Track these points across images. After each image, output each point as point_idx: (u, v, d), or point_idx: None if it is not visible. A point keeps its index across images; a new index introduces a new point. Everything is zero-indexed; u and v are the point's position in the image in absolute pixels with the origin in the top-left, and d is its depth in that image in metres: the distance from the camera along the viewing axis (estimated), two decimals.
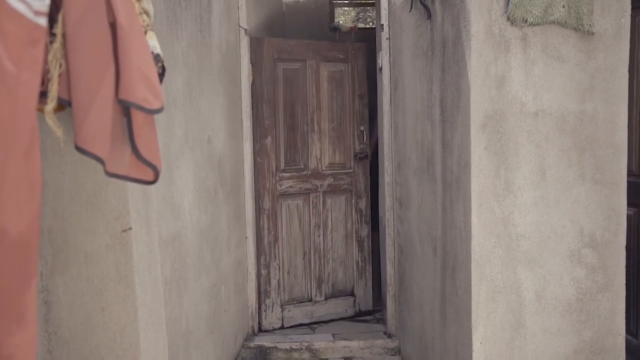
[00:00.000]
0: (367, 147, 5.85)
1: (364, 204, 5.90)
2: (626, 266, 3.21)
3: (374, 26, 7.42)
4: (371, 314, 5.96)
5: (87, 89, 1.58)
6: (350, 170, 5.80)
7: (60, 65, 1.59)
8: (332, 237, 5.78)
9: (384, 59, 5.16)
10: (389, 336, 5.30)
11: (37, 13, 1.40)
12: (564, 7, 2.97)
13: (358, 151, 5.79)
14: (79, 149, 1.62)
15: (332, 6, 8.02)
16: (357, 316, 5.92)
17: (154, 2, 2.84)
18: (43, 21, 1.43)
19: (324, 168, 5.68)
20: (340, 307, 5.86)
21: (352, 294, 5.92)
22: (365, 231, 5.93)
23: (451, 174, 3.35)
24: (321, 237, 5.72)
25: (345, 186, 5.78)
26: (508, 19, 2.98)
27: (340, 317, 5.85)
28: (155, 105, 1.71)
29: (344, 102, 5.70)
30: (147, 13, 1.79)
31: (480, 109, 3.01)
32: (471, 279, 3.08)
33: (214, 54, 4.16)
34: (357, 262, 5.90)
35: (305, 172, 5.60)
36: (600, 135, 3.08)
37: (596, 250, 3.13)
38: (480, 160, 3.03)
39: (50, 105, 1.59)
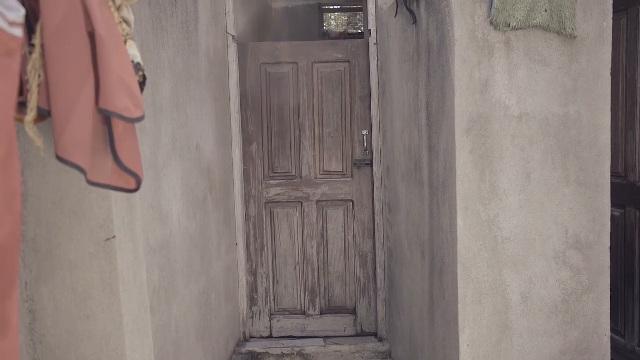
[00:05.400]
0: (371, 153, 5.40)
1: (366, 216, 5.47)
2: (614, 267, 3.23)
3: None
4: (376, 336, 5.50)
5: (67, 98, 1.59)
6: (350, 179, 5.43)
7: (40, 76, 1.60)
8: (328, 250, 5.51)
9: (372, 64, 5.18)
10: (380, 340, 5.32)
11: (12, 24, 1.42)
12: (546, 11, 2.99)
13: (359, 158, 5.39)
14: (59, 158, 1.62)
15: (322, 12, 8.04)
16: (359, 336, 5.52)
17: (138, 10, 2.86)
18: (19, 32, 1.44)
19: (318, 176, 5.44)
20: (339, 324, 5.57)
21: (353, 312, 5.57)
22: (368, 246, 5.49)
23: (437, 178, 3.37)
24: (315, 248, 5.48)
25: (343, 196, 5.44)
26: (491, 23, 3.00)
27: (338, 334, 5.54)
28: (137, 114, 1.72)
29: (342, 105, 5.38)
30: (127, 22, 1.80)
31: (464, 113, 3.03)
32: (458, 282, 3.10)
33: (201, 61, 4.18)
34: (359, 278, 5.51)
35: (296, 180, 5.43)
36: (583, 138, 3.10)
37: (581, 251, 3.15)
38: (466, 164, 3.05)
39: (30, 115, 1.60)
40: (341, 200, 5.46)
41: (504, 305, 3.13)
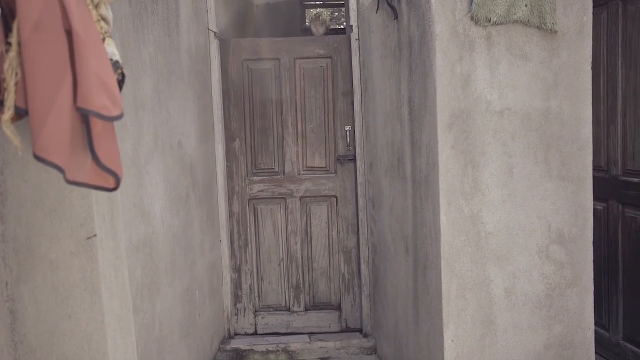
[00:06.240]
0: (353, 148, 5.35)
1: (350, 211, 5.43)
2: (597, 260, 3.24)
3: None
4: (361, 332, 5.45)
5: (44, 97, 1.58)
6: (333, 175, 5.40)
7: (17, 74, 1.59)
8: (312, 246, 5.46)
9: (354, 60, 5.17)
10: (365, 336, 5.31)
11: None
12: (526, 6, 3.00)
13: (342, 154, 5.36)
14: (37, 157, 1.61)
15: (303, 7, 8.01)
16: (344, 332, 5.46)
17: (118, 7, 2.84)
18: None
19: (301, 172, 5.41)
20: (323, 320, 5.51)
21: (338, 308, 5.53)
22: (352, 242, 5.45)
23: (420, 173, 3.37)
24: (298, 244, 5.46)
25: (326, 192, 5.40)
26: (472, 18, 3.00)
27: (323, 331, 5.49)
28: (114, 113, 1.70)
29: (325, 100, 5.35)
30: (105, 20, 1.78)
31: (446, 108, 3.03)
32: (441, 277, 3.10)
33: (183, 58, 4.15)
34: (344, 274, 5.47)
35: (279, 176, 5.40)
36: (565, 132, 3.11)
37: (564, 246, 3.16)
38: (448, 159, 3.06)
39: (7, 114, 1.58)
40: (325, 196, 5.44)
41: (488, 300, 3.14)
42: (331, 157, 5.41)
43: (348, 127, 5.34)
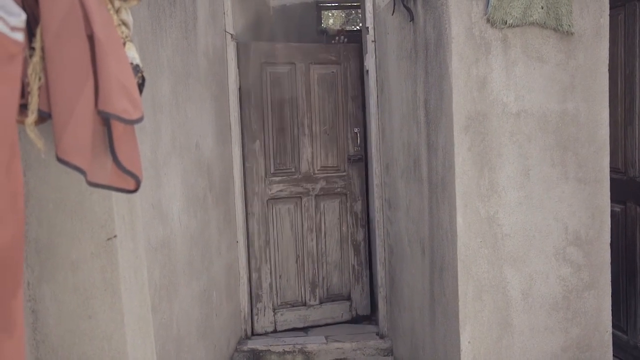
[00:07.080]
0: (362, 149, 5.74)
1: (359, 207, 5.79)
2: (615, 263, 3.23)
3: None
4: (369, 318, 5.86)
5: (66, 101, 1.60)
6: (344, 174, 5.71)
7: (40, 79, 1.61)
8: (326, 241, 5.72)
9: (370, 61, 5.19)
10: (382, 337, 5.32)
11: (13, 29, 1.43)
12: (542, 8, 3.00)
13: (352, 154, 5.70)
14: (60, 160, 1.64)
15: (319, 9, 8.03)
16: (354, 321, 5.85)
17: (137, 10, 2.87)
18: (20, 36, 1.45)
19: (316, 171, 5.62)
20: (336, 311, 5.80)
21: (348, 298, 5.84)
22: (361, 235, 5.82)
23: (436, 175, 3.38)
24: (314, 241, 5.66)
25: (338, 189, 5.70)
26: (488, 20, 3.01)
27: (336, 321, 5.80)
28: (135, 116, 1.73)
29: (336, 104, 5.64)
30: (125, 24, 1.81)
31: (462, 111, 3.04)
32: (458, 279, 3.11)
33: (200, 60, 4.18)
34: (354, 266, 5.81)
35: (296, 176, 5.56)
36: (582, 134, 3.11)
37: (581, 248, 3.16)
38: (464, 161, 3.06)
39: (31, 117, 1.61)
40: (337, 194, 5.74)
41: (505, 302, 3.14)
42: (342, 157, 5.72)
43: (357, 128, 5.68)
